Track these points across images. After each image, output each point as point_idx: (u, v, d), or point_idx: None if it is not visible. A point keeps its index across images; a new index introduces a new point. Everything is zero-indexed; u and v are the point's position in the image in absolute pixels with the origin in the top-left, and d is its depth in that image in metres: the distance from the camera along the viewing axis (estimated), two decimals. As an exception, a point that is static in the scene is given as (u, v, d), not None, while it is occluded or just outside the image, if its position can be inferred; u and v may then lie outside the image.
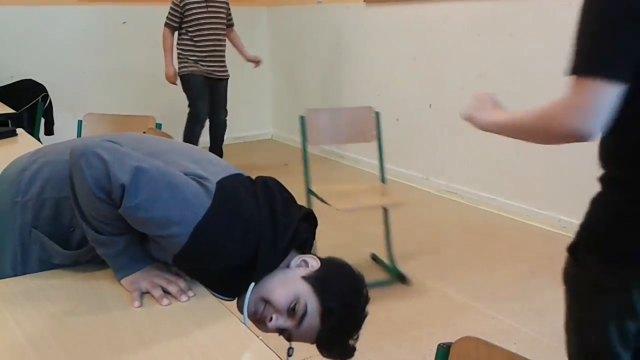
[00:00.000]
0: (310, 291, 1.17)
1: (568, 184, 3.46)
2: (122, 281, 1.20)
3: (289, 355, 1.25)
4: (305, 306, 1.16)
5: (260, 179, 1.28)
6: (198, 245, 1.13)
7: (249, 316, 1.18)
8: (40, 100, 4.25)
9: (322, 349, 1.22)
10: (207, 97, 4.78)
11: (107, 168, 1.10)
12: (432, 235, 3.60)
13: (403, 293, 2.85)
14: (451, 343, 0.87)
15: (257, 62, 5.03)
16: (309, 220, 1.30)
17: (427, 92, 4.46)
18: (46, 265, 1.29)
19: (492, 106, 1.41)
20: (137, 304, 1.14)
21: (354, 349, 1.26)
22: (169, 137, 2.17)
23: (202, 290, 1.23)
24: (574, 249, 1.47)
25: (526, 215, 3.80)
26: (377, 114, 3.23)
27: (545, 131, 1.19)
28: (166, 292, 1.18)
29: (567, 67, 1.09)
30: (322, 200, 2.93)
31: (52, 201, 1.27)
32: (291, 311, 1.16)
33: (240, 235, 1.16)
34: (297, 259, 1.24)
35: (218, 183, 1.18)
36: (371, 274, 3.08)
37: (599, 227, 1.38)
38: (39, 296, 1.17)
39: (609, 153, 1.29)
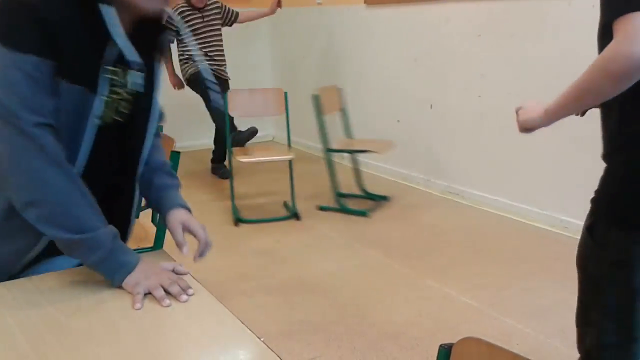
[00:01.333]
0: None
1: (570, 184, 3.46)
2: (124, 284, 1.20)
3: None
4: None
5: None
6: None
7: None
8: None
9: None
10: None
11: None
12: (434, 236, 3.59)
13: (405, 293, 2.85)
14: (452, 344, 0.86)
15: (278, 3, 5.09)
16: None
17: (428, 93, 4.46)
18: (15, 244, 1.25)
19: (537, 104, 1.47)
20: (138, 305, 1.14)
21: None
22: (171, 139, 2.17)
23: (202, 290, 1.23)
24: (592, 228, 1.44)
25: (528, 216, 3.80)
26: (286, 93, 4.01)
27: (617, 72, 1.23)
28: (167, 292, 1.18)
29: (610, 14, 1.23)
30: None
31: None
32: None
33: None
34: None
35: None
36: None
37: (619, 197, 1.38)
38: (39, 298, 1.17)
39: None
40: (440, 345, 0.86)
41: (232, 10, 5.01)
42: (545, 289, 2.85)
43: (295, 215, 3.95)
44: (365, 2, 4.89)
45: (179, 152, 2.04)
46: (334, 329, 2.52)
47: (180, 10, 4.74)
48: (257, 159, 4.00)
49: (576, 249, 1.52)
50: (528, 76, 3.68)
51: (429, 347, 2.39)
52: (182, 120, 5.81)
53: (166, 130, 2.72)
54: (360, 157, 5.26)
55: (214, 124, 5.20)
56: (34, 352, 0.99)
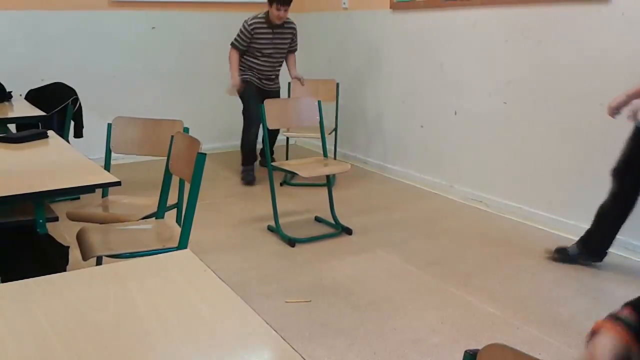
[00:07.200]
0: None
1: (594, 193, 3.41)
2: None
3: None
4: None
5: None
6: None
7: None
8: (70, 103, 4.33)
9: None
10: (260, 101, 5.02)
11: None
12: (457, 243, 3.57)
13: (427, 300, 2.84)
14: (478, 350, 0.86)
15: (301, 81, 5.21)
16: None
17: (452, 98, 4.44)
18: None
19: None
20: None
21: None
22: (197, 141, 2.19)
23: (227, 291, 1.24)
24: None
25: (552, 225, 3.76)
26: (319, 102, 3.89)
27: None
28: None
29: None
30: (287, 171, 3.67)
31: None
32: None
33: None
34: None
35: None
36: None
37: None
38: (68, 293, 1.19)
39: None
40: (466, 351, 0.86)
41: (296, 45, 5.12)
42: (569, 299, 2.81)
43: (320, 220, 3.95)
44: (391, 7, 4.89)
45: (204, 154, 2.06)
46: (354, 333, 2.52)
47: (255, 24, 4.78)
48: (317, 173, 3.62)
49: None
50: (555, 83, 3.65)
51: (450, 354, 2.37)
52: (208, 123, 5.86)
53: (192, 132, 2.75)
54: (384, 163, 5.26)
55: (242, 128, 5.29)
56: (62, 346, 1.00)
